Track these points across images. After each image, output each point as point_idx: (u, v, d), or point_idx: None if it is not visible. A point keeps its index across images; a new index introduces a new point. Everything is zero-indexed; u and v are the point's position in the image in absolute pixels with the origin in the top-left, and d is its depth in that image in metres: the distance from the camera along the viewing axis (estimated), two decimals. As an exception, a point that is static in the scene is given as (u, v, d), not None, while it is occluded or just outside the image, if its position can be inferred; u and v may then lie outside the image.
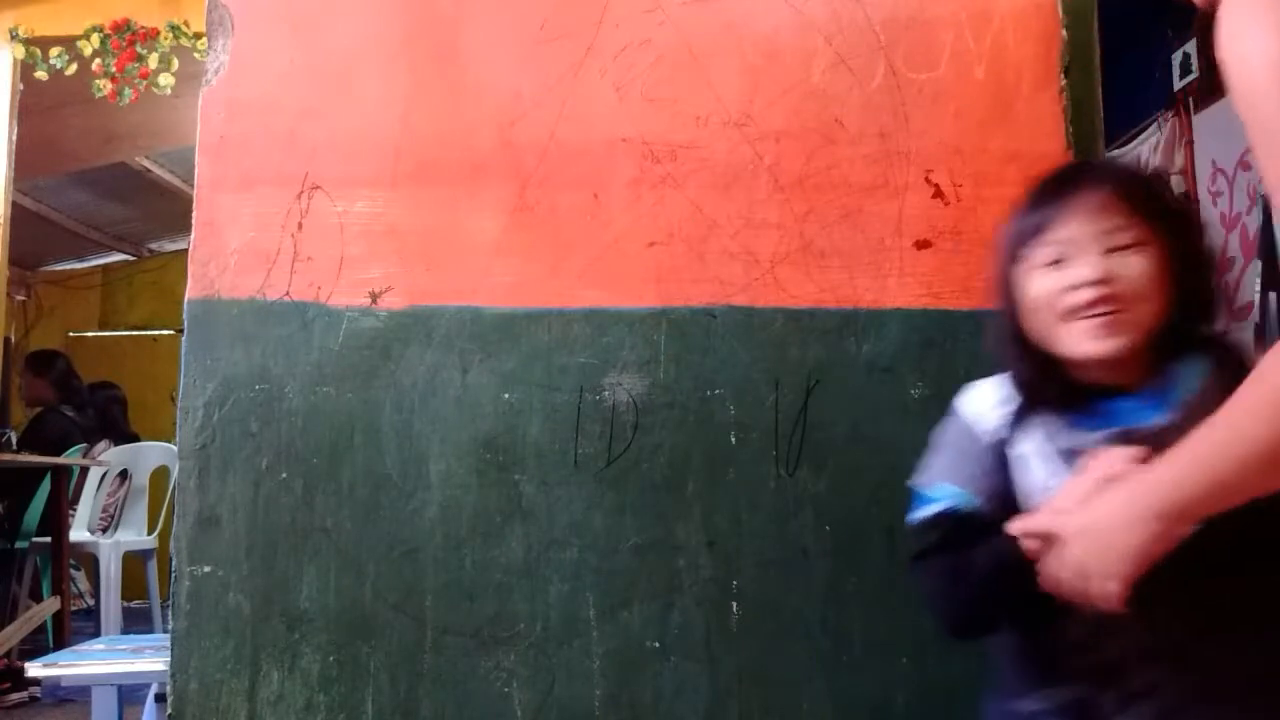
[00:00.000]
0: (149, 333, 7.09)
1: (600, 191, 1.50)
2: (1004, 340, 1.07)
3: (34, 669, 2.11)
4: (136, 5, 4.04)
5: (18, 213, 4.58)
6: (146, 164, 5.56)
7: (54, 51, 4.03)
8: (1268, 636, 0.96)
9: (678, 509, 1.45)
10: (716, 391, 1.47)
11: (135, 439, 4.92)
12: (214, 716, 1.45)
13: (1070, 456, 1.00)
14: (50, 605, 3.89)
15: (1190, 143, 3.93)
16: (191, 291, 1.52)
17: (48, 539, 4.03)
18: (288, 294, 1.51)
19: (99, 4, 4.05)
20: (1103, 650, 0.99)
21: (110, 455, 4.63)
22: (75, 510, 4.40)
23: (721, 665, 1.42)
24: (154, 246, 7.13)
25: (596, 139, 1.52)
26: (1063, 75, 1.51)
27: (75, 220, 6.31)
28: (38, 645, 3.78)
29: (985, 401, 1.09)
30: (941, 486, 1.08)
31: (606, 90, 1.53)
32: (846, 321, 1.48)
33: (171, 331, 6.60)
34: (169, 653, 1.47)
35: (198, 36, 3.86)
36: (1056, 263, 1.01)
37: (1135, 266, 0.99)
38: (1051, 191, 1.05)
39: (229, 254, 1.52)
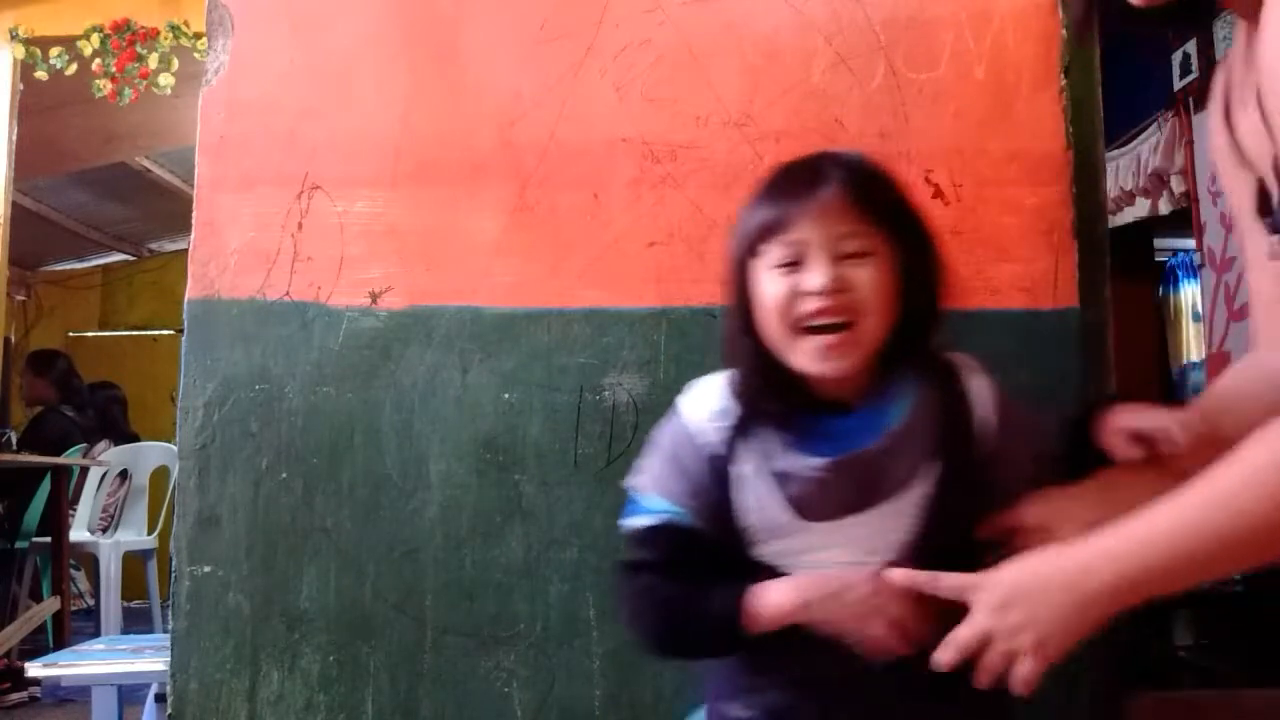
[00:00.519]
0: (149, 333, 7.10)
1: (600, 191, 1.50)
2: (733, 337, 1.02)
3: (34, 669, 2.11)
4: (136, 5, 4.04)
5: (18, 213, 4.58)
6: (146, 164, 5.57)
7: (54, 51, 4.04)
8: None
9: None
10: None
11: (135, 439, 4.93)
12: (214, 716, 1.45)
13: (785, 480, 0.98)
14: (50, 605, 3.89)
15: (1190, 143, 3.92)
16: (191, 291, 1.52)
17: (48, 539, 4.03)
18: (288, 294, 1.51)
19: (99, 4, 4.05)
20: (809, 665, 0.99)
21: (110, 455, 4.63)
22: (75, 510, 4.40)
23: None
24: (154, 246, 7.13)
25: (596, 139, 1.52)
26: (1063, 75, 1.51)
27: (75, 220, 6.32)
28: (38, 645, 3.78)
29: (706, 409, 1.03)
30: (657, 498, 1.03)
31: (606, 90, 1.53)
32: (846, 321, 1.48)
33: (171, 331, 6.60)
34: (169, 653, 1.48)
35: (198, 36, 3.86)
36: (791, 264, 0.97)
37: (865, 276, 0.97)
38: (789, 186, 1.00)
39: (229, 254, 1.52)
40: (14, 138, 4.21)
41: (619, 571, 1.08)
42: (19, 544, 4.04)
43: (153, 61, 3.99)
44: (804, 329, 0.97)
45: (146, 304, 7.26)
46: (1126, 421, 1.00)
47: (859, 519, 0.99)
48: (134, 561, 4.48)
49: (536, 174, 1.51)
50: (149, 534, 4.58)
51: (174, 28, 3.99)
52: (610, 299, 1.48)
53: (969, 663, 0.91)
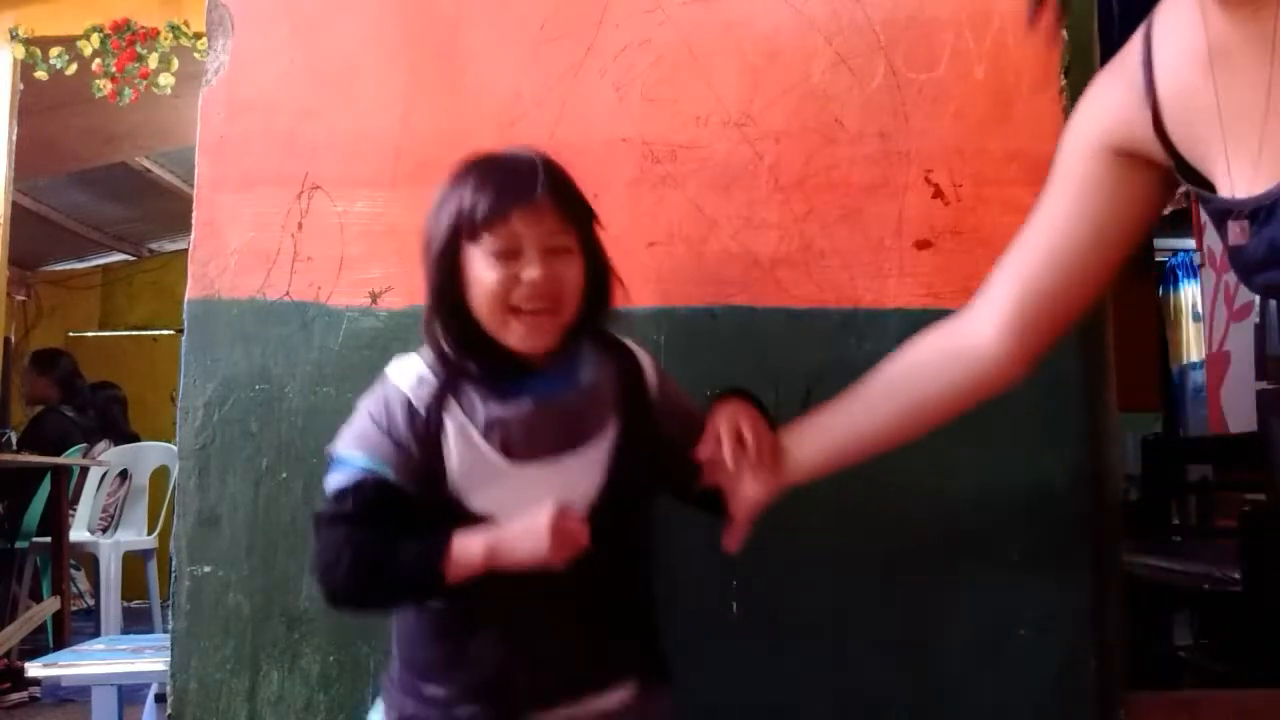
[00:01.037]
0: (149, 333, 7.10)
1: (600, 191, 1.50)
2: (439, 310, 1.14)
3: (34, 669, 2.11)
4: (136, 5, 4.04)
5: (18, 213, 4.58)
6: (146, 164, 5.57)
7: (54, 51, 4.04)
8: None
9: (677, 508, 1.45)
10: (717, 391, 1.47)
11: (135, 439, 4.93)
12: (214, 716, 1.45)
13: (491, 428, 1.11)
14: (50, 605, 3.89)
15: (1190, 143, 3.91)
16: (191, 291, 1.52)
17: (48, 539, 4.03)
18: (288, 294, 1.51)
19: (99, 4, 4.05)
20: (512, 621, 1.11)
21: (110, 455, 4.63)
22: (75, 510, 4.40)
23: (721, 665, 1.42)
24: (154, 246, 7.13)
25: (596, 139, 1.52)
26: (1063, 75, 1.51)
27: (75, 220, 6.32)
28: (38, 645, 3.78)
29: (413, 374, 1.14)
30: (360, 455, 1.12)
31: (606, 90, 1.53)
32: (846, 321, 1.48)
33: (171, 331, 6.59)
34: (169, 653, 1.48)
35: (198, 36, 3.86)
36: (504, 252, 1.10)
37: (567, 270, 1.13)
38: (506, 183, 1.12)
39: (229, 254, 1.52)
40: (14, 138, 4.21)
41: (314, 525, 1.13)
42: (19, 544, 4.04)
43: (153, 61, 3.99)
44: (516, 311, 1.11)
45: (146, 304, 7.26)
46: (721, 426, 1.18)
47: (559, 465, 1.13)
48: (134, 561, 4.49)
49: (536, 174, 1.51)
50: (149, 534, 4.58)
51: (174, 28, 3.99)
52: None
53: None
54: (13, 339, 5.30)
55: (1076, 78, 1.51)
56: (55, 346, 5.66)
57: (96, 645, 2.39)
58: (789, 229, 1.50)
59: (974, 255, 1.49)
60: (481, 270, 1.11)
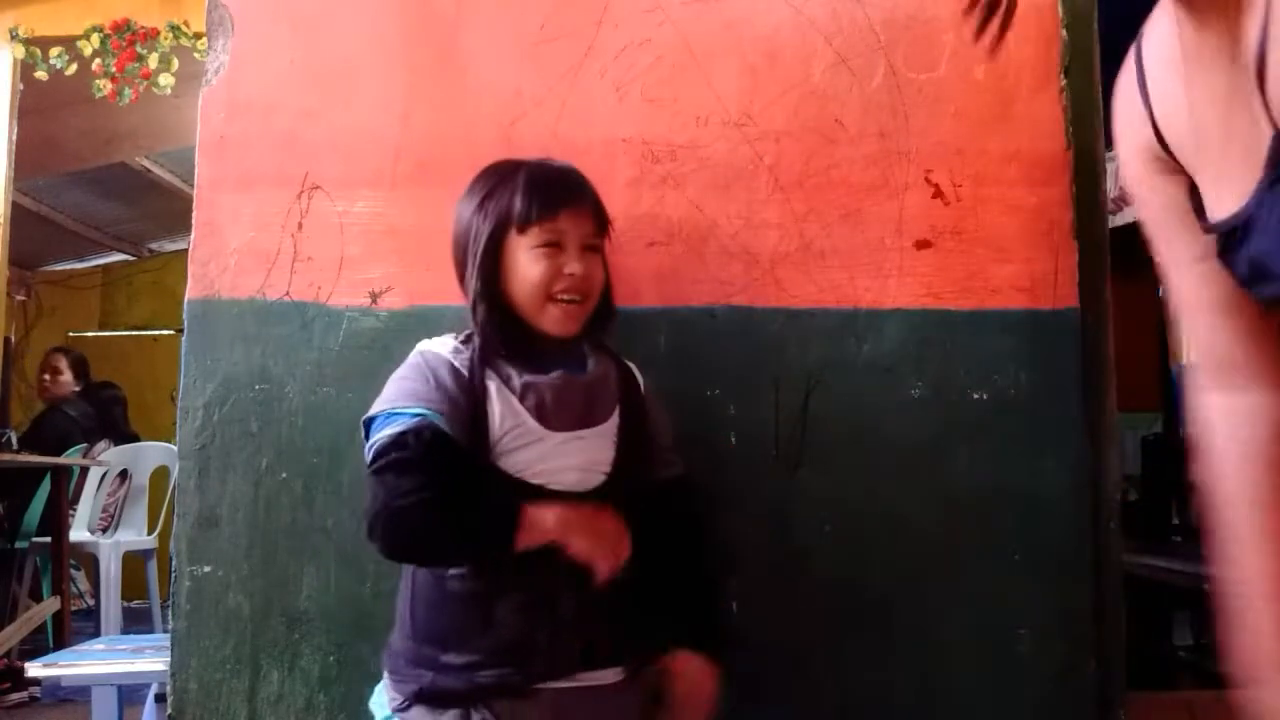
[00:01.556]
0: (149, 333, 7.09)
1: (600, 191, 1.50)
2: (484, 294, 1.25)
3: (34, 669, 2.11)
4: (136, 5, 4.04)
5: (18, 213, 4.58)
6: (146, 164, 5.57)
7: (54, 51, 4.04)
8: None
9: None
10: (716, 391, 1.47)
11: (135, 439, 4.92)
12: (214, 716, 1.45)
13: (525, 392, 1.22)
14: (50, 605, 3.89)
15: (1190, 143, 3.92)
16: (191, 291, 1.52)
17: (48, 539, 4.03)
18: (288, 294, 1.51)
19: (99, 4, 4.05)
20: (535, 590, 1.18)
21: (110, 455, 4.63)
22: (75, 510, 4.40)
23: (720, 665, 1.42)
24: (154, 246, 7.13)
25: (596, 139, 1.52)
26: (1063, 75, 1.51)
27: (75, 220, 6.32)
28: (38, 645, 3.78)
29: (449, 345, 1.26)
30: (413, 404, 1.19)
31: (606, 90, 1.53)
32: (846, 321, 1.48)
33: (171, 331, 6.60)
34: (169, 653, 1.47)
35: (198, 36, 3.86)
36: (550, 247, 1.24)
37: (597, 268, 1.28)
38: (556, 186, 1.27)
39: (229, 254, 1.52)
40: (14, 138, 4.21)
41: (371, 478, 1.18)
42: (19, 544, 4.03)
43: (153, 61, 3.99)
44: (554, 300, 1.24)
45: (146, 304, 7.25)
46: None
47: (582, 435, 1.24)
48: (134, 561, 4.48)
49: (536, 174, 1.51)
50: (149, 534, 4.57)
51: (174, 28, 3.99)
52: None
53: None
54: (13, 339, 5.29)
55: (1076, 78, 1.52)
56: (69, 344, 5.66)
57: (96, 645, 2.38)
58: (789, 229, 1.50)
59: (974, 255, 1.49)
60: (526, 262, 1.24)
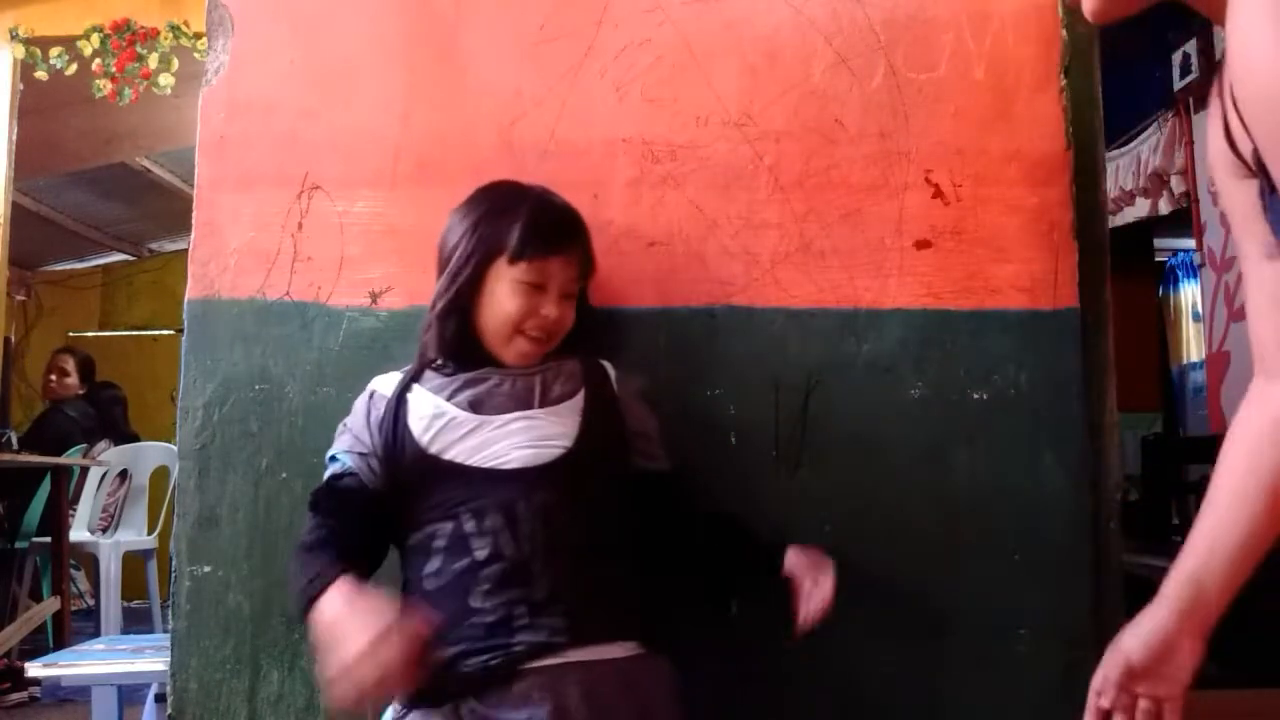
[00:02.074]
0: (149, 333, 7.09)
1: (600, 191, 1.50)
2: (451, 313, 1.28)
3: (34, 669, 2.11)
4: (136, 5, 4.04)
5: (18, 213, 4.58)
6: (146, 164, 5.57)
7: (54, 51, 4.04)
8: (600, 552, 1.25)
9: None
10: (716, 391, 1.47)
11: (135, 439, 4.92)
12: (214, 716, 1.45)
13: (458, 393, 1.26)
14: (50, 605, 3.89)
15: (1190, 143, 3.93)
16: (191, 291, 1.52)
17: (48, 539, 4.03)
18: (288, 294, 1.51)
19: (99, 4, 4.05)
20: (510, 572, 1.18)
21: (110, 455, 4.63)
22: (75, 510, 4.40)
23: (720, 664, 1.42)
24: (154, 246, 7.13)
25: (596, 139, 1.52)
26: (1063, 75, 1.51)
27: (75, 220, 6.32)
28: (38, 645, 3.78)
29: (389, 379, 1.31)
30: (340, 454, 1.28)
31: (606, 90, 1.53)
32: (846, 321, 1.48)
33: (171, 331, 6.60)
34: (169, 653, 1.47)
35: (198, 36, 3.87)
36: (534, 286, 1.27)
37: (570, 313, 1.31)
38: (555, 230, 1.29)
39: (229, 254, 1.52)
40: (14, 138, 4.21)
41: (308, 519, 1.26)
42: (19, 544, 4.03)
43: (153, 61, 3.99)
44: (523, 334, 1.28)
45: (146, 304, 7.25)
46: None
47: (532, 415, 1.26)
48: (134, 561, 4.48)
49: (536, 174, 1.50)
50: (149, 534, 4.57)
51: (174, 28, 3.99)
52: (610, 299, 1.47)
53: None
54: (13, 339, 5.29)
55: (1076, 78, 1.52)
56: (74, 344, 5.66)
57: (96, 645, 2.38)
58: (789, 229, 1.50)
59: (974, 255, 1.49)
60: (506, 294, 1.27)
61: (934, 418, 1.47)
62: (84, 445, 4.63)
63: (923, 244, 1.49)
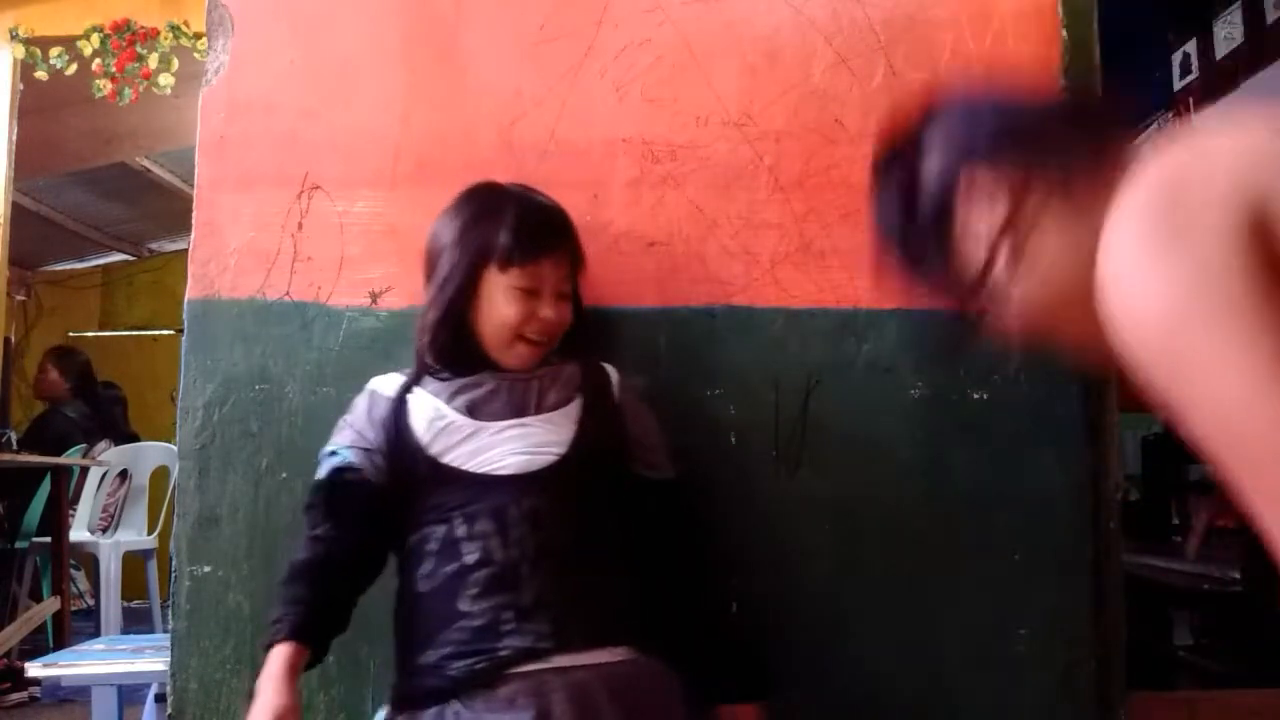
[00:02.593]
0: (149, 333, 7.09)
1: (600, 191, 1.50)
2: (445, 324, 1.28)
3: (34, 669, 2.11)
4: (136, 5, 4.04)
5: (18, 213, 4.57)
6: (146, 164, 5.56)
7: (54, 51, 4.03)
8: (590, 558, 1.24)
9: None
10: (716, 391, 1.47)
11: (135, 439, 4.92)
12: (214, 716, 1.45)
13: (456, 396, 1.27)
14: (50, 605, 3.88)
15: (1190, 143, 3.91)
16: (191, 291, 1.52)
17: (48, 539, 4.02)
18: (288, 294, 1.51)
19: (99, 4, 4.04)
20: (499, 576, 1.18)
21: (110, 455, 4.62)
22: (75, 510, 4.40)
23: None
24: (154, 246, 7.12)
25: (596, 139, 1.52)
26: (1063, 75, 1.51)
27: (75, 220, 6.31)
28: (38, 645, 3.77)
29: (390, 380, 1.32)
30: (337, 446, 1.28)
31: (606, 90, 1.53)
32: (846, 321, 1.48)
33: (171, 331, 6.59)
34: (169, 653, 1.47)
35: (198, 36, 3.86)
36: (528, 290, 1.27)
37: (567, 310, 1.31)
38: (542, 231, 1.28)
39: (229, 254, 1.52)
40: (14, 138, 4.21)
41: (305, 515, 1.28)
42: (19, 544, 4.03)
43: (153, 61, 3.98)
44: (523, 339, 1.28)
45: (146, 304, 7.25)
46: None
47: (526, 423, 1.26)
48: (134, 561, 4.48)
49: (536, 174, 1.50)
50: (149, 534, 4.57)
51: (174, 28, 3.99)
52: (610, 299, 1.47)
53: None
54: (13, 339, 5.29)
55: (1076, 78, 1.51)
56: (73, 345, 5.65)
57: (96, 645, 2.38)
58: (789, 229, 1.50)
59: (974, 255, 1.48)
60: (502, 302, 1.27)
61: (934, 418, 1.47)
62: (84, 445, 4.62)
63: (923, 244, 1.49)
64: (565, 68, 1.53)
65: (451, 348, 1.29)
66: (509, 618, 1.17)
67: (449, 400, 1.27)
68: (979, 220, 0.84)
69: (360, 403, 1.32)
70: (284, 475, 1.48)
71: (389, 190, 1.52)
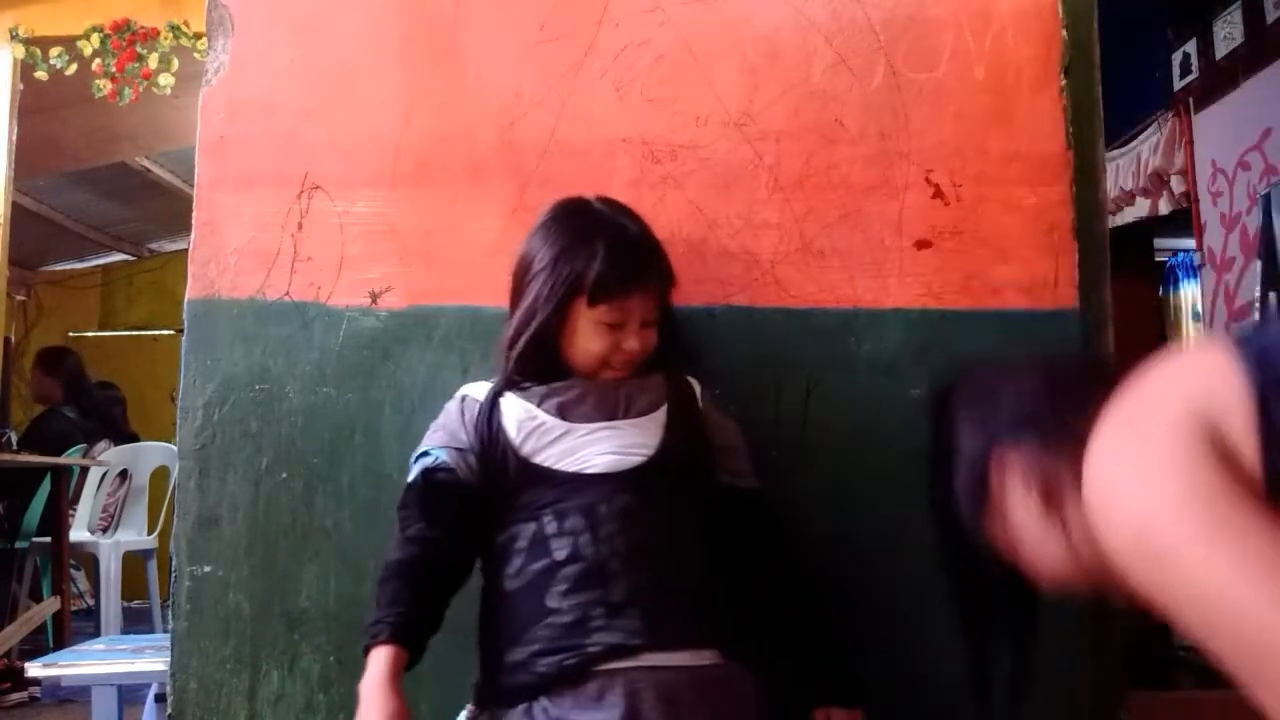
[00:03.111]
0: (149, 333, 7.09)
1: (600, 191, 1.50)
2: (538, 342, 1.28)
3: (34, 669, 2.11)
4: (136, 5, 4.04)
5: (18, 213, 4.58)
6: (146, 164, 5.56)
7: (54, 51, 4.03)
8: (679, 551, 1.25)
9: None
10: (716, 391, 1.47)
11: (135, 439, 4.92)
12: (214, 716, 1.45)
13: (546, 399, 1.28)
14: (50, 605, 3.88)
15: (1190, 143, 3.92)
16: (191, 291, 1.52)
17: (48, 539, 4.03)
18: (288, 294, 1.51)
19: (99, 4, 4.04)
20: (587, 573, 1.19)
21: (110, 455, 4.62)
22: (75, 510, 4.40)
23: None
24: (154, 246, 7.13)
25: (596, 139, 1.52)
26: (1063, 75, 1.51)
27: (75, 220, 6.31)
28: (38, 645, 3.77)
29: (480, 386, 1.33)
30: (429, 447, 1.30)
31: (606, 90, 1.53)
32: (846, 321, 1.48)
33: (171, 331, 6.59)
34: (169, 653, 1.47)
35: (198, 36, 3.86)
36: (614, 324, 1.27)
37: (652, 337, 1.31)
38: (633, 267, 1.28)
39: (229, 254, 1.52)
40: (14, 138, 4.21)
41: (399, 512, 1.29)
42: (19, 544, 4.03)
43: (153, 61, 3.98)
44: (609, 365, 1.29)
45: (146, 304, 7.25)
46: None
47: (616, 425, 1.27)
48: (134, 561, 4.48)
49: (536, 174, 1.51)
50: (149, 534, 4.57)
51: (174, 28, 3.99)
52: (610, 299, 1.47)
53: None
54: (13, 339, 5.29)
55: (1076, 78, 1.52)
56: (61, 345, 5.65)
57: (96, 645, 2.38)
58: (789, 229, 1.50)
59: (974, 255, 1.49)
60: (589, 334, 1.28)
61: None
62: (84, 445, 4.62)
63: (923, 244, 1.49)
64: (565, 68, 1.53)
65: (540, 367, 1.30)
66: (599, 614, 1.17)
67: (540, 403, 1.28)
68: (1015, 501, 0.91)
69: (451, 407, 1.33)
70: (284, 475, 1.48)
71: (389, 190, 1.52)
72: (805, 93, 1.52)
